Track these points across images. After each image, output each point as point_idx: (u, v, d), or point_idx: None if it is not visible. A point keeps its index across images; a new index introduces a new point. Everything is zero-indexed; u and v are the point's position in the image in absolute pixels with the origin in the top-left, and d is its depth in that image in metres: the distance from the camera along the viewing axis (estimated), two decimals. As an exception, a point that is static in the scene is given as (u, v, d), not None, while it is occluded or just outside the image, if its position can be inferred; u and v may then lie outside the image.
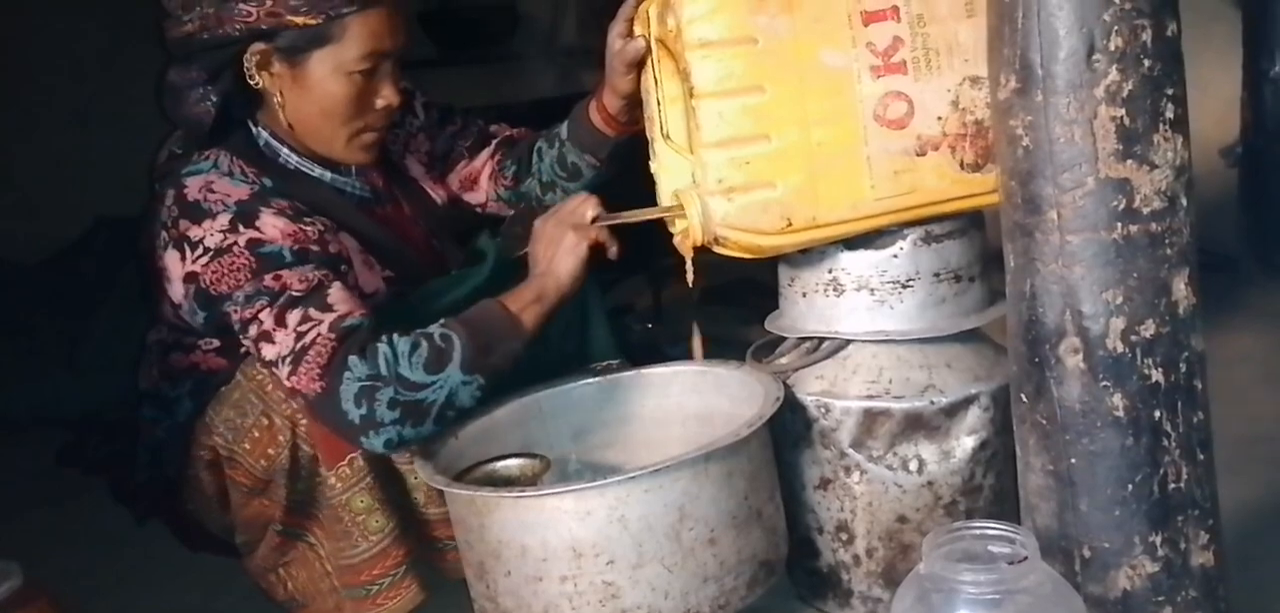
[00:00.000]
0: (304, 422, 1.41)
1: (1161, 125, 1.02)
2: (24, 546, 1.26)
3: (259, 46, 1.44)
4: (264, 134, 1.53)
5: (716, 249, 1.39)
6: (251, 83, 1.46)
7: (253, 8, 1.43)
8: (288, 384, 1.37)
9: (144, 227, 1.51)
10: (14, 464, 2.30)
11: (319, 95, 1.47)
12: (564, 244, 1.47)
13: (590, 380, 1.59)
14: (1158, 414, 1.06)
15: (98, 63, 2.87)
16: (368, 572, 1.44)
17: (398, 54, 1.51)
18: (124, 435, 1.66)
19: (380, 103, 1.51)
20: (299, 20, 1.43)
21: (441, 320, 1.40)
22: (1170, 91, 1.03)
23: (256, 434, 1.44)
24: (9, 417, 2.55)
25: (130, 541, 1.76)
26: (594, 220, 1.48)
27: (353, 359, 1.34)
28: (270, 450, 1.44)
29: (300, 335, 1.35)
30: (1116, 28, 1.00)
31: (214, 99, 1.47)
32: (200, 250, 1.40)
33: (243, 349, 1.44)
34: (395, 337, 1.36)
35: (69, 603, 1.25)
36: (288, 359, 1.35)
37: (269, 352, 1.37)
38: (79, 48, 2.87)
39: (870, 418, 1.39)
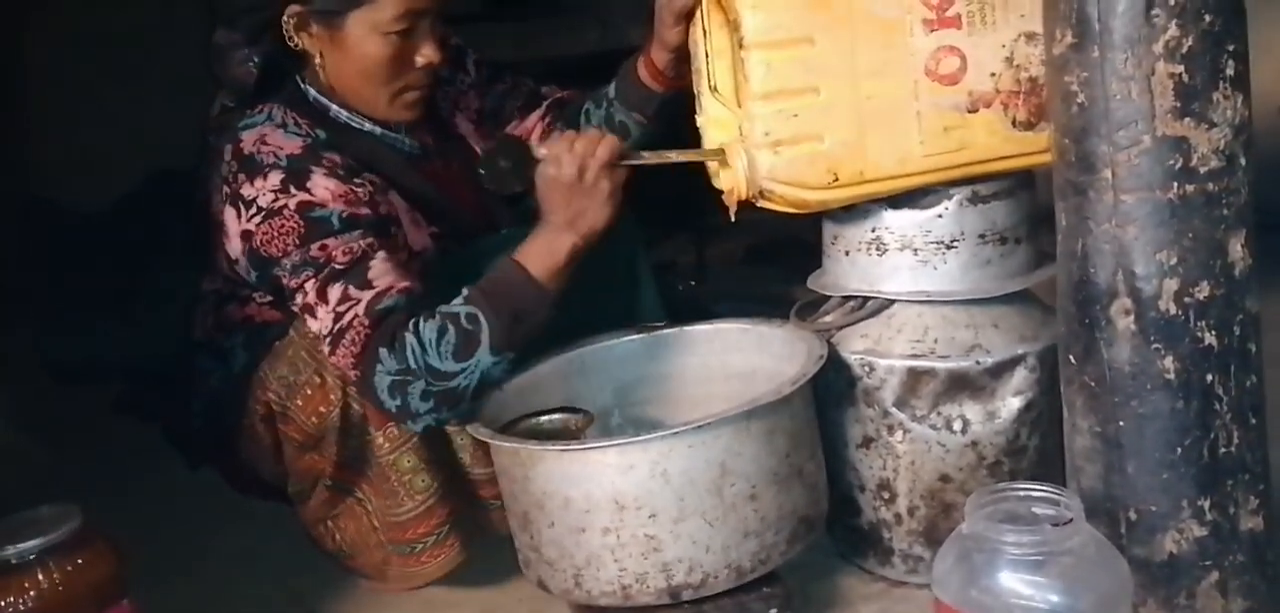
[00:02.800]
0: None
1: (1221, 83, 1.00)
2: (80, 491, 1.30)
3: (295, 8, 1.46)
4: (311, 90, 1.54)
5: (761, 203, 1.39)
6: (291, 44, 1.48)
7: None
8: (330, 361, 1.40)
9: (201, 179, 1.54)
10: (70, 412, 2.35)
11: (357, 57, 1.48)
12: (597, 194, 1.37)
13: (633, 336, 1.60)
14: (1210, 378, 1.04)
15: (154, 17, 2.90)
16: (413, 530, 1.47)
17: (435, 11, 1.50)
18: (178, 384, 1.70)
19: (420, 60, 1.51)
20: None
21: (465, 293, 1.38)
22: (1231, 47, 1.00)
23: (309, 392, 1.47)
24: (65, 365, 2.61)
25: (184, 486, 1.80)
26: (621, 160, 1.40)
27: (382, 352, 1.35)
28: (322, 408, 1.46)
29: (339, 316, 1.37)
30: (1177, -19, 0.98)
31: (256, 60, 1.50)
32: (254, 210, 1.42)
33: (293, 308, 1.47)
34: (422, 324, 1.35)
35: (125, 545, 1.28)
36: (327, 338, 1.38)
37: (313, 325, 1.40)
38: (135, 2, 2.90)
39: (914, 377, 1.38)
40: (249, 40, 1.49)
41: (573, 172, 1.36)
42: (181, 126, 1.82)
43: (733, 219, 1.41)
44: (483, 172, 1.43)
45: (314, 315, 1.40)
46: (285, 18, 1.46)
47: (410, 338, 1.35)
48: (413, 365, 1.35)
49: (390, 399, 1.37)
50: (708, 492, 1.26)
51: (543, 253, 1.40)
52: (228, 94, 1.57)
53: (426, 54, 1.51)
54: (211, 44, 1.53)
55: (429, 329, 1.36)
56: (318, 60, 1.49)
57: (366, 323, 1.36)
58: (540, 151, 1.40)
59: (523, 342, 1.40)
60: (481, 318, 1.36)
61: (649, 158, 1.43)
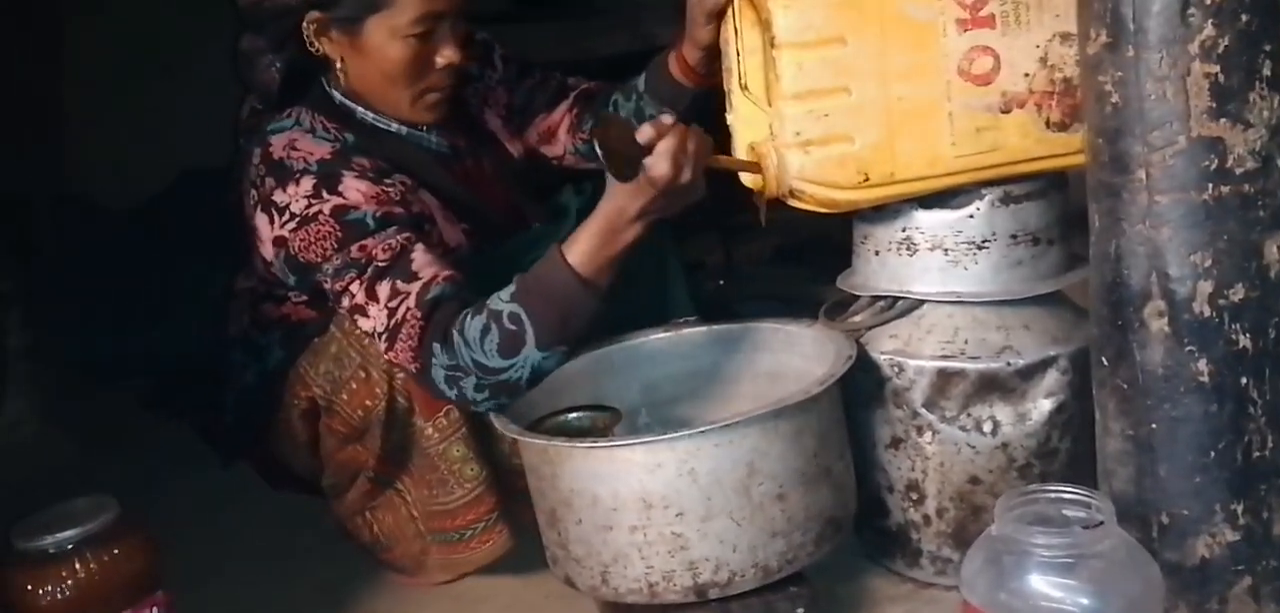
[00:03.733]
0: (401, 374, 1.45)
1: (1258, 83, 0.99)
2: (113, 486, 1.31)
3: (315, 15, 1.47)
4: (337, 94, 1.56)
5: (791, 203, 1.38)
6: (313, 50, 1.49)
7: None
8: (387, 357, 1.41)
9: (233, 180, 1.56)
10: (102, 408, 2.38)
11: (378, 60, 1.49)
12: (690, 194, 1.32)
13: (662, 334, 1.60)
14: (1244, 381, 1.03)
15: (183, 18, 2.93)
16: (463, 517, 1.48)
17: (455, 12, 1.51)
18: (209, 381, 1.72)
19: (441, 62, 1.51)
20: None
21: (514, 287, 1.37)
22: (1268, 47, 0.99)
23: (354, 385, 1.48)
24: (96, 362, 2.64)
25: (215, 482, 1.82)
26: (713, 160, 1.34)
27: (436, 346, 1.37)
28: (368, 401, 1.47)
29: (392, 312, 1.38)
30: (1213, -20, 0.97)
31: (279, 66, 1.51)
32: (287, 216, 1.43)
33: (339, 312, 1.48)
34: (468, 320, 1.36)
35: (159, 537, 1.30)
36: (383, 336, 1.40)
37: (365, 324, 1.42)
38: (166, 3, 2.94)
39: (944, 378, 1.38)
40: (273, 46, 1.51)
41: (689, 175, 1.30)
42: (213, 126, 1.84)
43: (764, 222, 1.41)
44: (598, 148, 1.26)
45: (366, 314, 1.41)
46: (305, 24, 1.48)
47: (457, 336, 1.36)
48: (463, 362, 1.36)
49: (448, 389, 1.39)
50: (735, 491, 1.26)
51: (595, 248, 1.34)
52: (258, 96, 1.59)
53: (447, 55, 1.51)
54: (238, 50, 1.55)
55: (474, 326, 1.36)
56: (339, 65, 1.51)
57: (419, 314, 1.38)
58: (644, 131, 1.29)
59: (575, 337, 1.40)
60: (525, 317, 1.36)
61: (727, 162, 1.39)
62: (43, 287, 2.39)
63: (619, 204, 1.33)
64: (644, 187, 1.30)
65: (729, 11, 1.45)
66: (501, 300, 1.37)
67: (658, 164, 1.28)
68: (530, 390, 1.40)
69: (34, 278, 2.35)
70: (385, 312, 1.39)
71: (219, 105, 1.73)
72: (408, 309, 1.38)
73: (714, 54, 1.54)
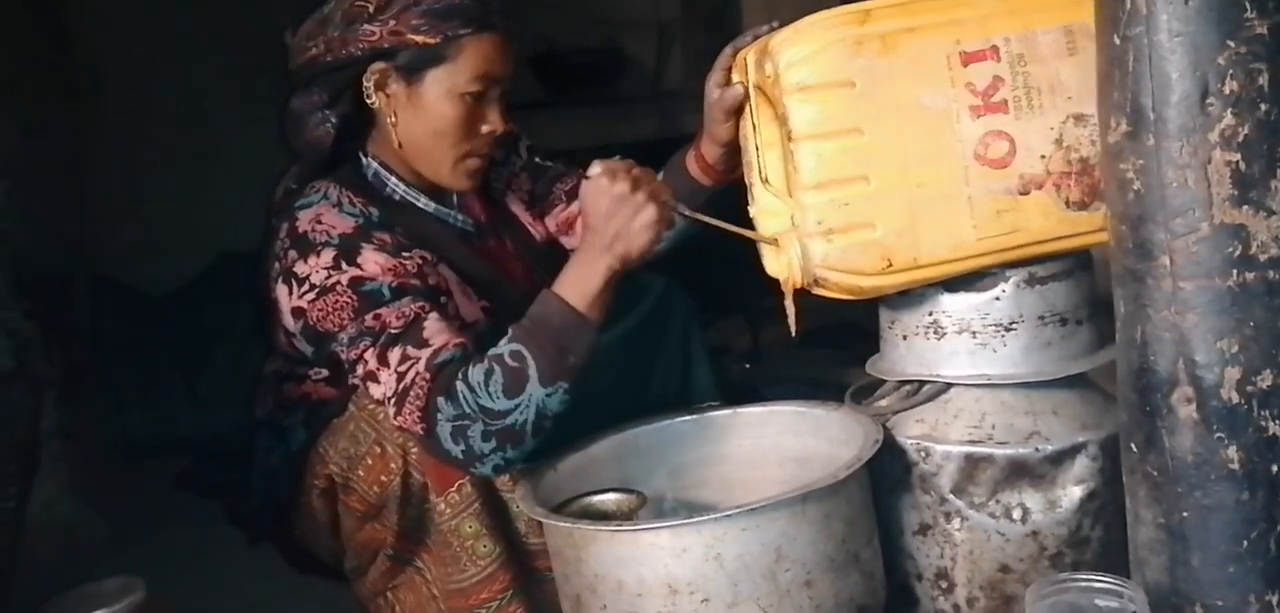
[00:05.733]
0: (415, 449, 1.46)
1: (1279, 171, 0.99)
2: (143, 564, 1.33)
3: (379, 65, 1.52)
4: (373, 164, 1.59)
5: (816, 291, 1.39)
6: (369, 102, 1.53)
7: (377, 28, 1.50)
8: (395, 423, 1.42)
9: (261, 260, 1.59)
10: (135, 487, 2.41)
11: (432, 115, 1.53)
12: (642, 217, 1.38)
13: (687, 418, 1.60)
14: (1275, 468, 1.02)
15: (221, 105, 3.00)
16: (476, 595, 1.48)
17: (506, 82, 1.56)
18: (239, 462, 1.73)
19: (485, 128, 1.56)
20: (419, 39, 1.50)
21: (510, 332, 1.41)
22: (1289, 136, 1.00)
23: (370, 462, 1.49)
24: (132, 441, 2.67)
25: (243, 561, 1.83)
26: (671, 202, 1.42)
27: (440, 400, 1.37)
28: (383, 477, 1.48)
29: (401, 376, 1.40)
30: (1232, 71, 0.98)
31: (333, 121, 1.56)
32: (306, 287, 1.46)
33: (352, 381, 1.50)
34: (471, 369, 1.38)
35: (187, 618, 1.30)
36: (392, 400, 1.41)
37: (376, 390, 1.43)
38: (203, 89, 3.02)
39: (972, 464, 1.37)
40: (328, 101, 1.55)
41: (625, 186, 1.38)
42: (251, 210, 1.88)
43: (792, 316, 1.41)
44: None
45: (377, 380, 1.43)
46: (367, 74, 1.52)
47: (460, 384, 1.38)
48: (468, 410, 1.37)
49: (454, 446, 1.39)
50: (762, 577, 1.25)
51: (579, 279, 1.41)
52: (293, 176, 1.63)
53: (492, 122, 1.56)
54: (287, 111, 1.59)
55: (477, 372, 1.38)
56: (391, 120, 1.55)
57: (428, 377, 1.39)
58: (595, 167, 1.41)
59: (575, 372, 1.40)
60: (526, 353, 1.38)
61: (695, 213, 1.45)
62: (78, 368, 2.43)
63: (589, 237, 1.41)
64: (591, 200, 1.40)
65: (747, 107, 1.48)
66: (501, 345, 1.40)
67: (596, 175, 1.40)
68: (535, 441, 1.40)
69: (70, 359, 2.38)
70: (395, 376, 1.41)
71: (257, 190, 1.77)
72: (417, 373, 1.39)
73: (733, 150, 1.56)
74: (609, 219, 1.38)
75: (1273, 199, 0.99)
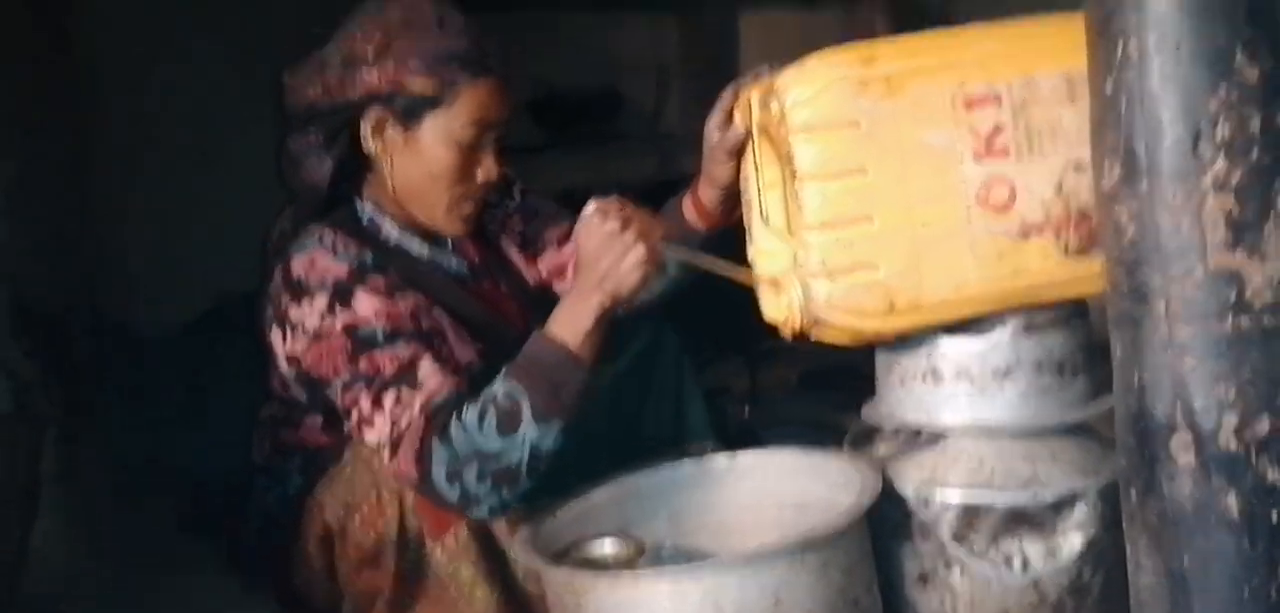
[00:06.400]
0: (411, 495, 1.45)
1: (1273, 216, 0.99)
2: (141, 605, 1.31)
3: (376, 110, 1.52)
4: (368, 208, 1.60)
5: (816, 335, 1.39)
6: (365, 145, 1.54)
7: (375, 73, 1.51)
8: (390, 469, 1.42)
9: (258, 304, 1.59)
10: (134, 527, 2.39)
11: (428, 160, 1.54)
12: (631, 257, 1.39)
13: (686, 464, 1.60)
14: (1276, 516, 1.01)
15: (224, 146, 3.02)
16: None
17: (502, 127, 1.57)
18: (237, 504, 1.73)
19: (480, 175, 1.57)
20: (417, 85, 1.51)
21: (502, 372, 1.41)
22: (1281, 181, 1.00)
23: (366, 508, 1.49)
24: (131, 481, 2.66)
25: (241, 606, 1.81)
26: (664, 241, 1.44)
27: (435, 442, 1.37)
28: (379, 524, 1.48)
29: (395, 421, 1.40)
30: (1223, 117, 0.98)
31: (329, 163, 1.56)
32: (300, 332, 1.47)
33: (347, 428, 1.50)
34: (465, 409, 1.38)
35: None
36: (387, 445, 1.41)
37: (371, 436, 1.43)
38: (202, 133, 3.03)
39: (971, 511, 1.36)
40: (324, 143, 1.56)
41: (616, 224, 1.39)
42: (252, 252, 1.88)
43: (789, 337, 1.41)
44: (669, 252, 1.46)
45: (371, 425, 1.43)
46: (364, 118, 1.53)
47: (455, 426, 1.38)
48: (462, 451, 1.37)
49: (449, 489, 1.38)
50: (760, 625, 1.24)
51: (571, 317, 1.42)
52: (287, 218, 1.63)
53: (487, 167, 1.57)
54: (284, 152, 1.60)
55: (471, 413, 1.38)
56: (387, 164, 1.55)
57: (422, 421, 1.39)
58: (590, 205, 1.43)
59: (569, 410, 1.40)
60: (519, 393, 1.39)
61: (687, 254, 1.47)
62: (78, 409, 2.42)
63: (581, 275, 1.43)
64: (583, 237, 1.42)
65: (748, 147, 1.48)
66: (495, 385, 1.40)
67: (588, 213, 1.42)
68: (531, 481, 1.39)
69: (70, 399, 2.38)
70: (389, 420, 1.41)
71: (259, 230, 1.78)
72: (411, 417, 1.39)
73: (729, 195, 1.56)
74: (599, 258, 1.40)
75: (1267, 244, 0.99)
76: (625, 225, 1.39)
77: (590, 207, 1.43)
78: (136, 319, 2.93)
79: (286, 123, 1.60)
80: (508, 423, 1.38)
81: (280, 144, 1.61)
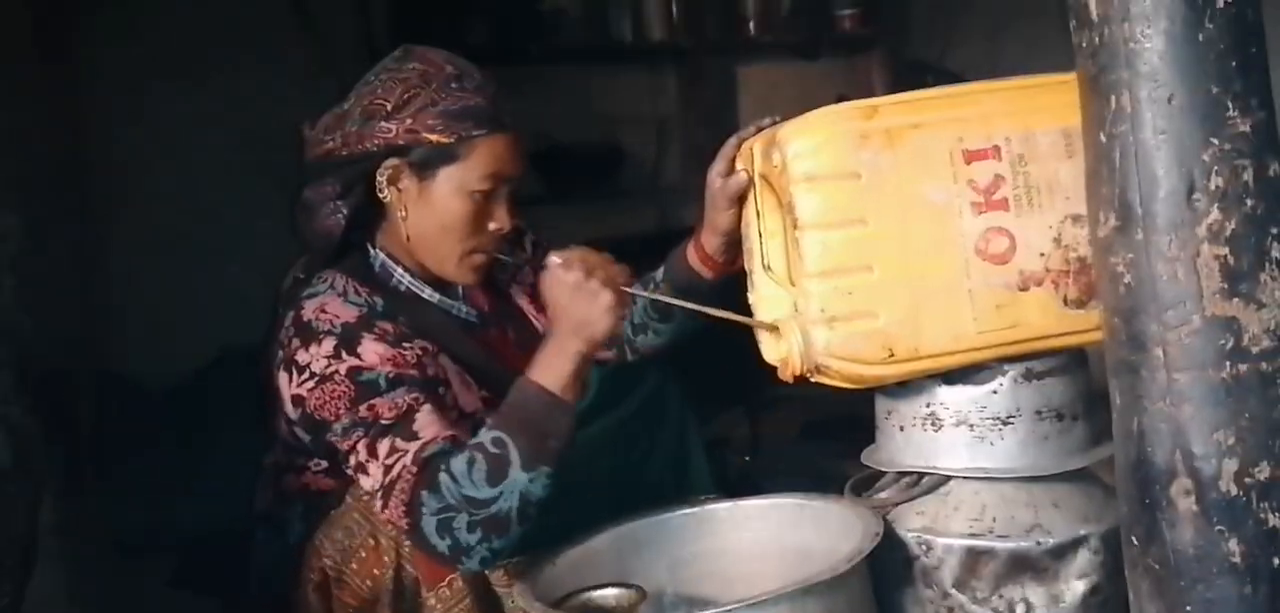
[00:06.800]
0: (408, 543, 1.45)
1: (1267, 264, 1.00)
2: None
3: (393, 161, 1.54)
4: (381, 256, 1.62)
5: (816, 379, 1.40)
6: (381, 195, 1.56)
7: (393, 125, 1.53)
8: (383, 516, 1.42)
9: (264, 350, 1.60)
10: (131, 584, 2.38)
11: (441, 211, 1.56)
12: (599, 303, 1.42)
13: (687, 511, 1.60)
14: (1277, 562, 1.01)
15: (224, 200, 3.04)
16: None
17: (515, 181, 1.59)
18: (236, 558, 1.72)
19: (493, 226, 1.59)
20: (433, 138, 1.53)
21: (488, 422, 1.42)
22: (1275, 230, 1.01)
23: (363, 554, 1.49)
24: (129, 537, 2.64)
25: (239, 660, 1.80)
26: (628, 287, 1.47)
27: (424, 494, 1.38)
28: (376, 571, 1.48)
29: (388, 469, 1.40)
30: (1217, 167, 1.00)
31: (344, 212, 1.58)
32: (306, 375, 1.47)
33: (347, 472, 1.50)
34: (453, 460, 1.39)
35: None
36: (379, 493, 1.41)
37: (366, 482, 1.43)
38: (209, 183, 3.05)
39: (973, 557, 1.36)
40: (340, 193, 1.58)
41: (579, 273, 1.43)
42: (256, 304, 1.89)
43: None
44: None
45: (366, 472, 1.43)
46: (381, 169, 1.55)
47: (444, 476, 1.38)
48: (451, 501, 1.37)
49: (440, 540, 1.38)
50: (763, 673, 1.24)
51: (550, 365, 1.44)
52: (300, 267, 1.65)
53: (499, 220, 1.59)
54: (299, 201, 1.62)
55: (459, 462, 1.39)
56: (401, 214, 1.57)
57: (413, 470, 1.39)
58: (553, 258, 1.47)
59: (556, 455, 1.41)
60: (506, 440, 1.39)
61: (652, 295, 1.52)
62: (78, 463, 2.42)
63: (554, 326, 1.46)
64: (550, 292, 1.45)
65: (750, 195, 1.50)
66: (482, 434, 1.41)
67: (553, 267, 1.46)
68: (520, 530, 1.39)
69: (71, 454, 2.38)
70: (382, 468, 1.41)
71: (259, 284, 1.79)
72: (403, 466, 1.40)
73: (732, 241, 1.58)
74: (569, 308, 1.43)
75: (1262, 292, 1.01)
76: (590, 274, 1.43)
77: (553, 259, 1.47)
78: (137, 374, 2.94)
79: (303, 174, 1.62)
80: (496, 472, 1.38)
81: (296, 194, 1.63)
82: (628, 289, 1.46)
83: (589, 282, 1.42)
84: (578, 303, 1.42)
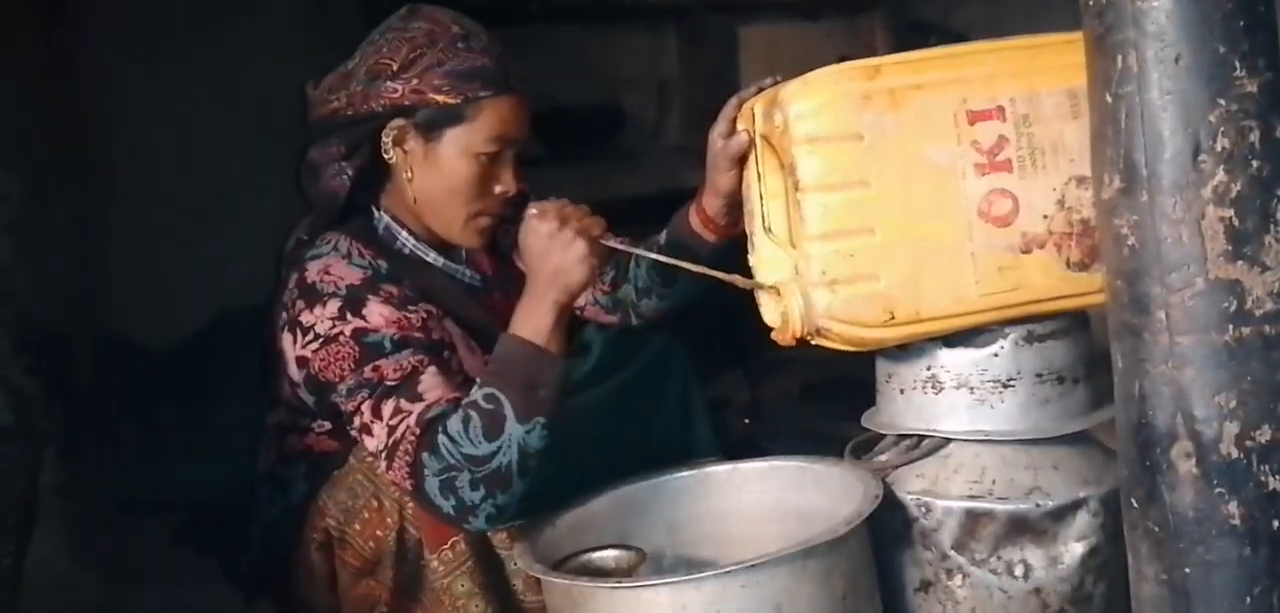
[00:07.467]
0: (411, 505, 1.46)
1: (1272, 226, 1.00)
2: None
3: (399, 122, 1.54)
4: (385, 218, 1.61)
5: (816, 341, 1.40)
6: (386, 157, 1.55)
7: (399, 86, 1.52)
8: (386, 477, 1.42)
9: (268, 311, 1.60)
10: (132, 543, 2.39)
11: (447, 172, 1.55)
12: (573, 252, 1.43)
13: (686, 473, 1.60)
14: (1277, 524, 1.01)
15: (225, 161, 3.03)
16: None
17: (520, 143, 1.58)
18: (236, 517, 1.73)
19: (498, 188, 1.58)
20: (439, 99, 1.52)
21: (479, 380, 1.42)
22: (1280, 192, 1.01)
23: (366, 516, 1.49)
24: (130, 497, 2.66)
25: (239, 620, 1.82)
26: (603, 235, 1.46)
27: (425, 456, 1.38)
28: (379, 532, 1.48)
29: (392, 430, 1.40)
30: (1223, 129, 0.99)
31: (350, 173, 1.57)
32: (310, 336, 1.47)
33: (351, 433, 1.50)
34: (449, 420, 1.39)
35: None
36: (383, 454, 1.41)
37: (370, 443, 1.43)
38: (208, 145, 3.04)
39: (973, 519, 1.36)
40: (345, 153, 1.57)
41: (553, 224, 1.43)
42: (256, 266, 1.89)
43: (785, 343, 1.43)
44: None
45: (371, 433, 1.43)
46: (387, 129, 1.54)
47: (442, 436, 1.38)
48: (451, 460, 1.37)
49: (444, 500, 1.38)
50: (762, 634, 1.24)
51: (531, 317, 1.44)
52: (303, 228, 1.64)
53: (504, 183, 1.58)
54: (304, 162, 1.61)
55: (455, 422, 1.39)
56: (407, 176, 1.56)
57: (416, 432, 1.39)
58: (531, 210, 1.47)
59: (548, 405, 1.41)
60: (498, 394, 1.39)
61: (627, 245, 1.51)
62: (78, 424, 2.42)
63: (532, 278, 1.46)
64: (526, 242, 1.46)
65: (751, 157, 1.49)
66: (474, 392, 1.41)
67: (528, 218, 1.46)
68: (523, 485, 1.39)
69: (71, 414, 2.38)
70: (386, 429, 1.41)
71: (260, 245, 1.78)
72: (407, 427, 1.40)
73: (733, 203, 1.57)
74: (544, 258, 1.43)
75: (1267, 254, 1.00)
76: (564, 224, 1.43)
77: (531, 210, 1.47)
78: (136, 335, 2.94)
79: (308, 134, 1.61)
80: (493, 427, 1.38)
81: (301, 154, 1.62)
82: (603, 240, 1.46)
83: (563, 231, 1.42)
84: (552, 253, 1.43)
